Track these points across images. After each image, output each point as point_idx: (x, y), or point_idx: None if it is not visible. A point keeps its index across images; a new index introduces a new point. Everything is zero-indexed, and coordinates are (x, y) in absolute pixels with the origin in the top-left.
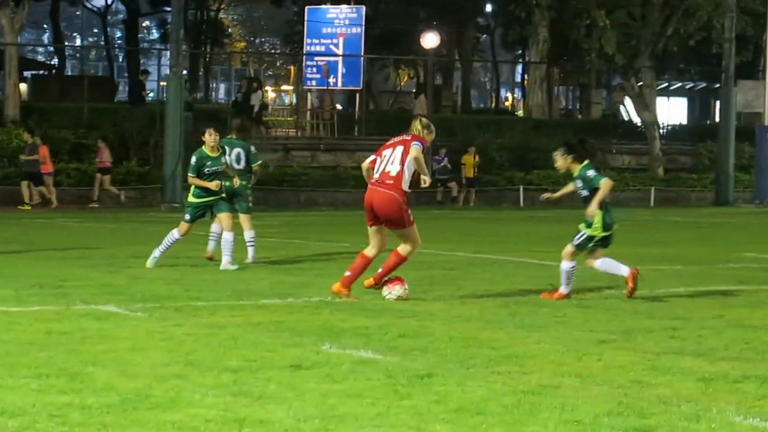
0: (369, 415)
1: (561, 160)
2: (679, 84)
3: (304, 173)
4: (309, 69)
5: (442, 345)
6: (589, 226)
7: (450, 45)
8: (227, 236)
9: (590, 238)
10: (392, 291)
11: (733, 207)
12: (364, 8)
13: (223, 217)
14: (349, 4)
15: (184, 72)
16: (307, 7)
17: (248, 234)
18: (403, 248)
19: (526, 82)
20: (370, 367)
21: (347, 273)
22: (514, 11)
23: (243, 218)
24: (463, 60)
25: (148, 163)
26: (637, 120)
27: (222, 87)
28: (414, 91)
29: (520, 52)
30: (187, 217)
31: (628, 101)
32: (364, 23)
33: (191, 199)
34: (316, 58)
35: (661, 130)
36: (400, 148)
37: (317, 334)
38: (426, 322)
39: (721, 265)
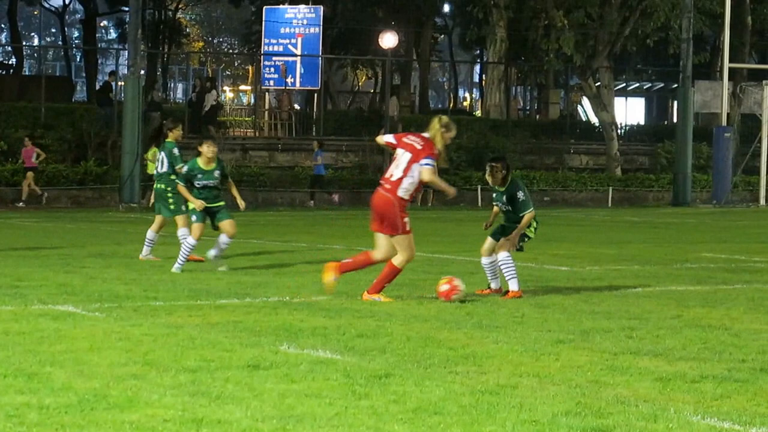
0: (327, 415)
1: (500, 175)
2: (637, 84)
3: (261, 173)
4: (267, 69)
5: (400, 345)
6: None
7: (408, 45)
8: (224, 239)
9: (526, 237)
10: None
11: (691, 207)
12: (322, 8)
13: (226, 224)
14: (307, 4)
15: (142, 72)
16: (265, 7)
17: (152, 233)
18: (396, 259)
19: (483, 82)
20: (328, 367)
21: (347, 259)
22: (472, 11)
23: (178, 219)
24: (421, 60)
25: (106, 163)
26: (594, 120)
27: (180, 87)
28: (373, 91)
29: (477, 52)
30: (194, 218)
31: (585, 101)
32: (322, 23)
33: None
34: (274, 58)
35: (618, 131)
36: (407, 156)
37: (275, 334)
38: (384, 323)
39: (679, 265)
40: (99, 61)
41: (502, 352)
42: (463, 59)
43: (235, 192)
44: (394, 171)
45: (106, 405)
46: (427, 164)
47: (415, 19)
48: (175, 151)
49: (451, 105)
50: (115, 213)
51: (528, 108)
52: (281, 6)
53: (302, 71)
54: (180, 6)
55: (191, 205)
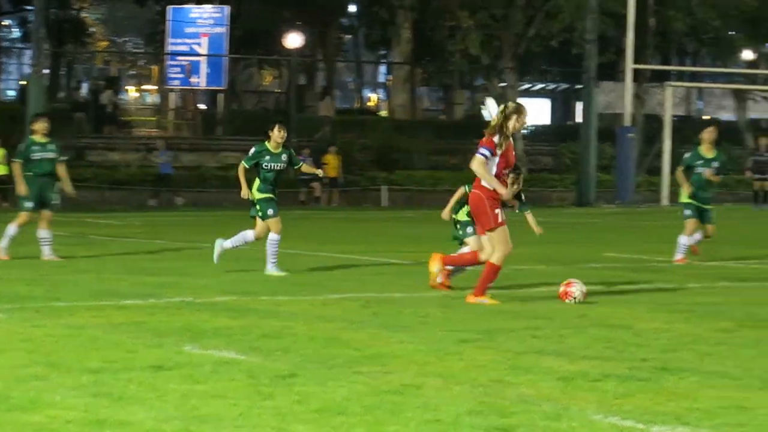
0: (231, 416)
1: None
2: (542, 85)
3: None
4: (172, 68)
5: (304, 345)
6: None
7: (314, 45)
8: (273, 237)
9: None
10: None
11: (594, 207)
12: (228, 8)
13: (273, 222)
14: (212, 3)
15: (46, 71)
16: (169, 7)
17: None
18: (494, 256)
19: (389, 82)
20: (232, 367)
21: (455, 254)
22: (378, 12)
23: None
24: (326, 60)
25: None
26: None
27: (85, 86)
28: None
29: (383, 52)
30: (271, 211)
31: (490, 102)
32: (228, 23)
33: (257, 195)
34: (180, 58)
35: (523, 131)
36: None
37: (179, 334)
38: (288, 323)
39: (583, 264)
40: (2, 60)
41: (406, 352)
42: (368, 59)
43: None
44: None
45: (8, 406)
46: (478, 152)
47: (321, 20)
48: (22, 146)
49: (357, 105)
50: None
51: (433, 108)
52: (186, 6)
53: (208, 71)
54: (84, 5)
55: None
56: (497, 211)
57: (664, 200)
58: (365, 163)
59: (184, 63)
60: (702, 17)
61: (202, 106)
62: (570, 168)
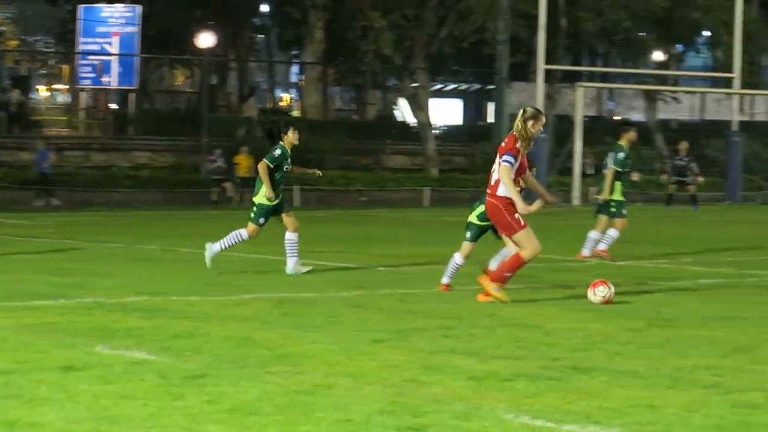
0: (141, 416)
1: None
2: (454, 85)
3: (77, 173)
4: (83, 68)
5: (215, 345)
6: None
7: (226, 45)
8: (292, 236)
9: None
10: (596, 293)
11: None
12: (139, 7)
13: (254, 229)
14: (124, 3)
15: None
16: (80, 6)
17: None
18: (523, 251)
19: (302, 82)
20: (142, 367)
21: (507, 274)
22: (290, 12)
23: None
24: (239, 60)
25: None
26: (411, 121)
27: None
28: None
29: (296, 52)
30: (263, 220)
31: (403, 102)
32: (140, 22)
33: (263, 201)
34: (91, 57)
35: (435, 131)
36: (497, 159)
37: (90, 335)
38: (200, 323)
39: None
40: None
41: (318, 352)
42: (281, 59)
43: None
44: (493, 175)
45: None
46: (504, 161)
47: (233, 20)
48: None
49: (270, 105)
50: None
51: (346, 108)
52: (97, 5)
53: (119, 70)
54: None
55: None
56: (517, 216)
57: (575, 200)
58: None
59: (95, 62)
60: (613, 18)
61: (114, 106)
62: (482, 168)
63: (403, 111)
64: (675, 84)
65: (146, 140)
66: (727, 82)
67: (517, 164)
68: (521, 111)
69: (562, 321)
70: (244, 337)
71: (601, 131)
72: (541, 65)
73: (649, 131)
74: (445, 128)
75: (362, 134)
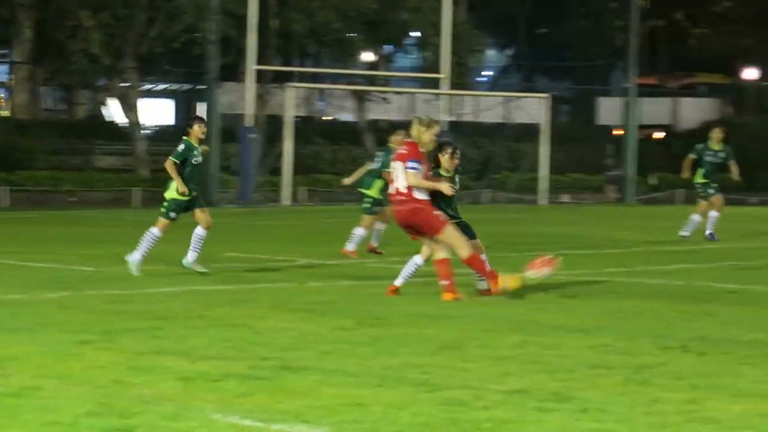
0: None
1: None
2: (165, 85)
3: None
4: None
5: None
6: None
7: None
8: (201, 233)
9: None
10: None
11: (217, 207)
12: None
13: (164, 224)
14: None
15: None
16: None
17: None
18: (462, 254)
19: (10, 82)
20: None
21: (445, 282)
22: None
23: None
24: None
25: None
26: (123, 121)
27: None
28: None
29: (4, 51)
30: (173, 215)
31: (113, 102)
32: None
33: (175, 196)
34: None
35: (146, 131)
36: (399, 165)
37: None
38: None
39: (203, 264)
40: None
41: (24, 354)
42: None
43: None
44: (399, 183)
45: None
46: (410, 167)
47: None
48: None
49: None
50: None
51: (56, 108)
52: None
53: None
54: None
55: None
56: (436, 213)
57: (285, 200)
58: None
59: None
60: (322, 19)
61: None
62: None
63: (113, 111)
64: (385, 84)
65: None
66: (436, 83)
67: (422, 168)
68: (418, 119)
69: (271, 320)
70: None
71: (311, 131)
72: (252, 66)
73: (359, 131)
74: (157, 128)
75: (72, 134)
